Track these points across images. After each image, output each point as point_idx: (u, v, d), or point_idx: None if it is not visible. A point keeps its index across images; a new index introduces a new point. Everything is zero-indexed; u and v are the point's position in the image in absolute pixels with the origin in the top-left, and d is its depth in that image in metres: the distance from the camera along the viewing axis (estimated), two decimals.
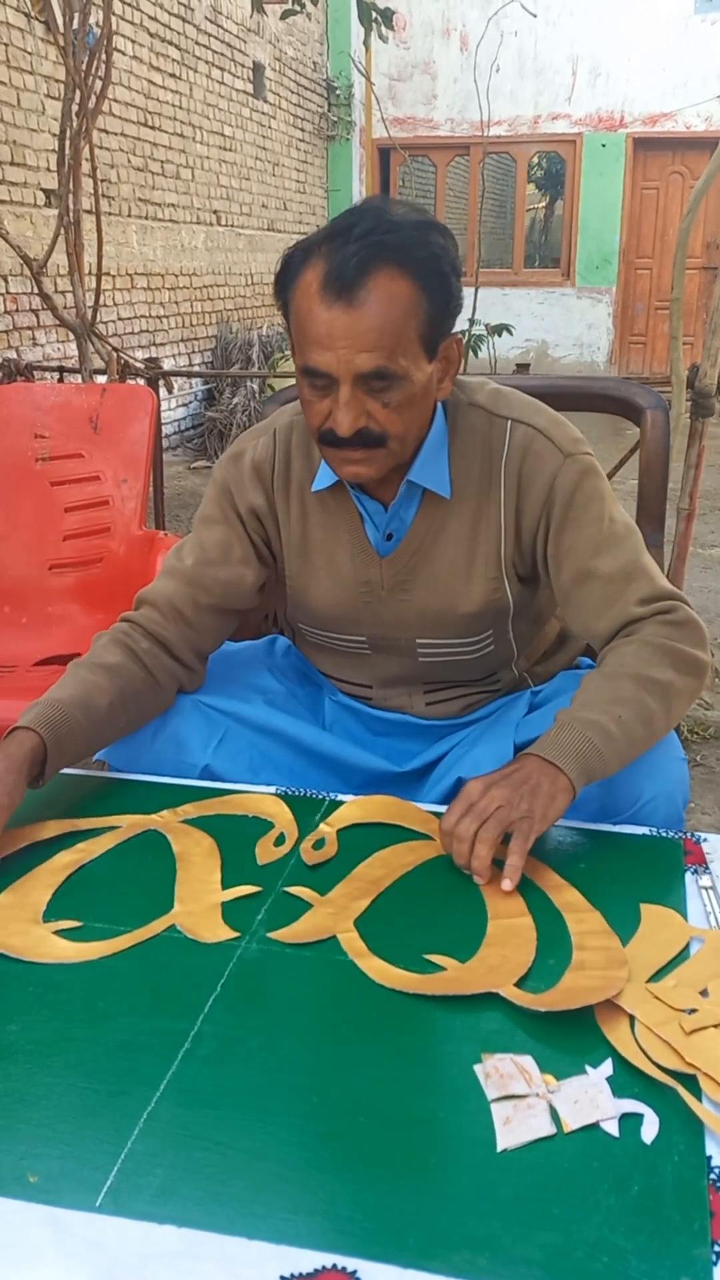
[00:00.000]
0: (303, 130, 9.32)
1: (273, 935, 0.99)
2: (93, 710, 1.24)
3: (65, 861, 1.12)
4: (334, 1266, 0.67)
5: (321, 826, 1.17)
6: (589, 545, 1.24)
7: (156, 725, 1.34)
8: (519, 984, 0.92)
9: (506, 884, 1.04)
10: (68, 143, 3.06)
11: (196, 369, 7.13)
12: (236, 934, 0.99)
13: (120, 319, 6.23)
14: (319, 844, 1.14)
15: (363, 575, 1.31)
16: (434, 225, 1.15)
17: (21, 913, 1.03)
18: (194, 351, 7.36)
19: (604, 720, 1.15)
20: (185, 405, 7.28)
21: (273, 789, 1.27)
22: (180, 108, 6.92)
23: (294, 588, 1.37)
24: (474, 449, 1.26)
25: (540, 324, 9.78)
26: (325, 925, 1.00)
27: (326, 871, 1.10)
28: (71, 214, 3.10)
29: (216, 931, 1.00)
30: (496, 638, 1.34)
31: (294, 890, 1.05)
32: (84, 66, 2.98)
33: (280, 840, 1.15)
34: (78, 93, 2.96)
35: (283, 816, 1.20)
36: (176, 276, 7.03)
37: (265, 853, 1.13)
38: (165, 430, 6.66)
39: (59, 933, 1.01)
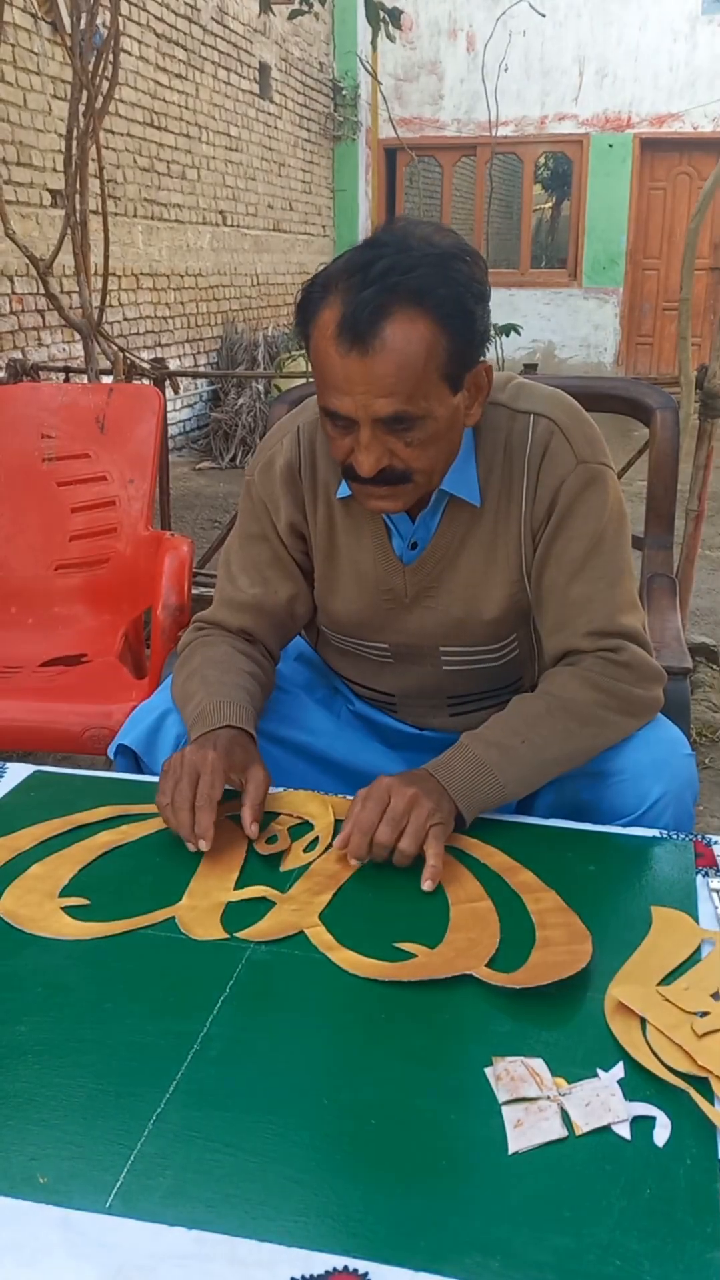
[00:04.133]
0: (309, 131, 9.32)
1: (240, 935, 0.99)
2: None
3: (102, 841, 1.15)
4: (345, 1269, 0.66)
5: (272, 825, 1.17)
6: (570, 563, 1.23)
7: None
8: (489, 965, 0.94)
9: (427, 885, 1.05)
10: (74, 143, 3.06)
11: (202, 370, 7.13)
12: (226, 935, 0.99)
13: (126, 319, 6.23)
14: (272, 839, 1.14)
15: (385, 583, 1.30)
16: (457, 255, 1.09)
17: (44, 884, 1.07)
18: (199, 352, 7.37)
19: (508, 742, 1.18)
20: (190, 406, 7.28)
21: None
22: (186, 108, 6.93)
23: (319, 591, 1.36)
24: (497, 449, 1.24)
25: (547, 325, 9.77)
26: (290, 921, 1.01)
27: (286, 871, 1.10)
28: (78, 214, 3.10)
29: (210, 931, 1.00)
30: (521, 641, 1.34)
31: (253, 890, 1.06)
32: (91, 66, 2.98)
33: (273, 839, 1.15)
34: (85, 92, 2.96)
35: (324, 818, 1.19)
36: (182, 277, 7.03)
37: (261, 846, 1.14)
38: (170, 432, 6.67)
39: (67, 909, 1.02)
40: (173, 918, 1.02)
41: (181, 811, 1.11)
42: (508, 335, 5.69)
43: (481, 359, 1.15)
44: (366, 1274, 0.66)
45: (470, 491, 1.24)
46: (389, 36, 3.96)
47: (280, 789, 1.26)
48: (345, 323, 1.05)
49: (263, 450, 1.36)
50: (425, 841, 1.08)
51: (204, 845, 1.09)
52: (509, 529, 1.25)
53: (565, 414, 1.25)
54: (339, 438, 1.14)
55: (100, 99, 3.01)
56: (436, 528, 1.27)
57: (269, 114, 8.39)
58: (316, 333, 1.10)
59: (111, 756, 1.34)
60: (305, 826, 1.18)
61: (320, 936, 0.99)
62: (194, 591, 2.08)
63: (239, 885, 1.07)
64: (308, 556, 1.35)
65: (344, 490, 1.27)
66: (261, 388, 6.97)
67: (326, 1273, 0.66)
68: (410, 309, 1.05)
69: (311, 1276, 0.66)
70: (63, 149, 3.21)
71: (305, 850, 1.14)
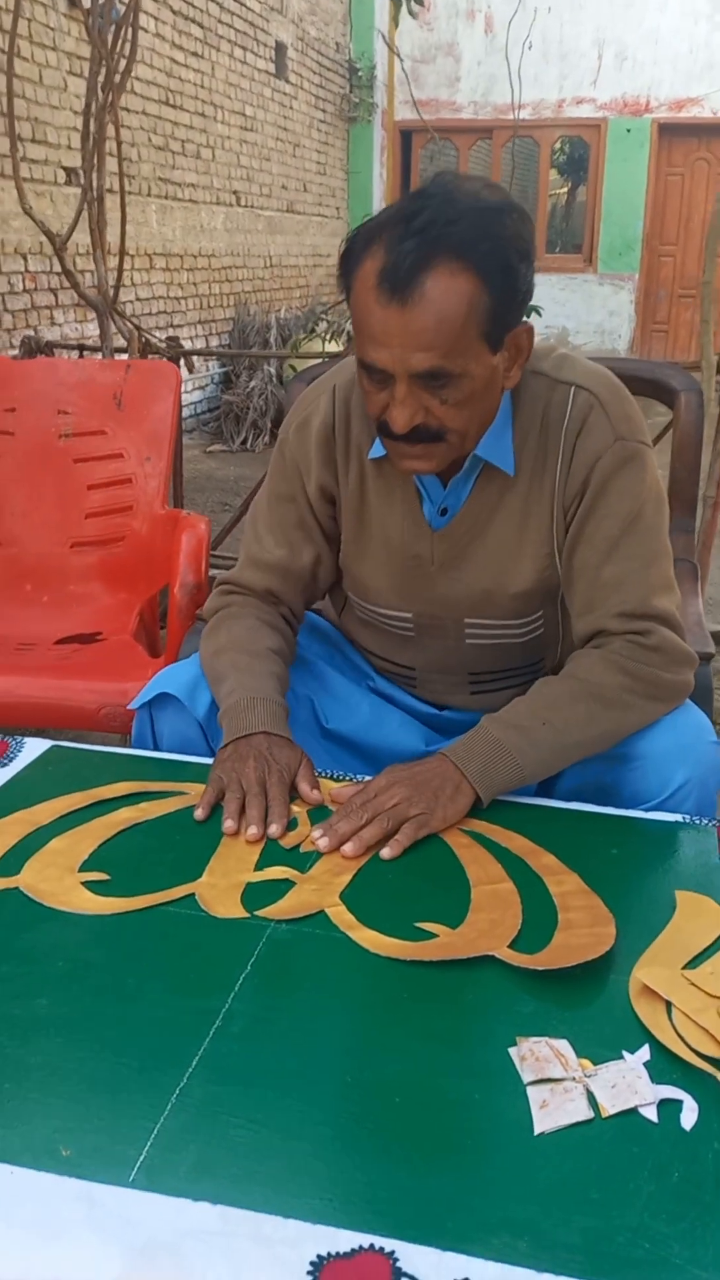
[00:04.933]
0: (324, 111, 9.25)
1: (260, 913, 0.98)
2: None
3: (123, 817, 1.14)
4: (372, 1247, 0.66)
5: (292, 808, 1.16)
6: (604, 541, 1.21)
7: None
8: (511, 947, 0.93)
9: (385, 852, 1.07)
10: (92, 118, 3.04)
11: (216, 349, 7.09)
12: (247, 914, 0.98)
13: (138, 299, 6.20)
14: (292, 824, 1.13)
15: (413, 549, 1.29)
16: (503, 209, 1.08)
17: (64, 859, 1.06)
18: (211, 334, 7.33)
19: (528, 724, 1.17)
20: (201, 389, 7.25)
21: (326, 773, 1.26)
22: (202, 86, 6.88)
23: (346, 555, 1.35)
24: (535, 419, 1.22)
25: (562, 310, 9.70)
26: (311, 901, 1.00)
27: (306, 853, 1.09)
28: (95, 189, 3.08)
29: (230, 909, 0.99)
30: (546, 619, 1.33)
31: (274, 870, 1.05)
32: (110, 39, 2.96)
33: (293, 824, 1.14)
34: (104, 66, 2.93)
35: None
36: (195, 257, 6.99)
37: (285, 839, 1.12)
38: (182, 414, 6.64)
39: (87, 884, 1.02)
40: (192, 894, 1.01)
41: (230, 804, 1.13)
42: (529, 317, 5.65)
43: (523, 320, 1.14)
44: (394, 1253, 0.65)
45: (505, 459, 1.22)
46: (410, 13, 3.92)
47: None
48: (386, 273, 1.05)
49: (298, 409, 1.34)
50: (404, 827, 1.10)
51: (275, 830, 1.10)
52: (541, 501, 1.24)
53: (607, 389, 1.23)
54: (375, 392, 1.13)
55: (119, 73, 2.98)
56: (468, 495, 1.26)
57: (284, 94, 8.33)
58: (358, 283, 1.09)
59: (136, 707, 1.33)
60: (324, 811, 1.17)
61: (341, 916, 0.98)
62: (211, 573, 2.07)
63: (259, 867, 1.06)
64: (335, 521, 1.34)
65: (376, 450, 1.26)
66: (273, 370, 6.93)
67: (353, 1250, 0.65)
68: (452, 263, 1.04)
69: (338, 1254, 0.65)
70: (78, 126, 3.19)
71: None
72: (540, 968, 0.90)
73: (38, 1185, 0.70)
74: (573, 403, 1.21)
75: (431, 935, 0.96)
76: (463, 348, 1.07)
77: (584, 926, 0.96)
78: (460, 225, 1.04)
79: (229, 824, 1.11)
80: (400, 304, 1.05)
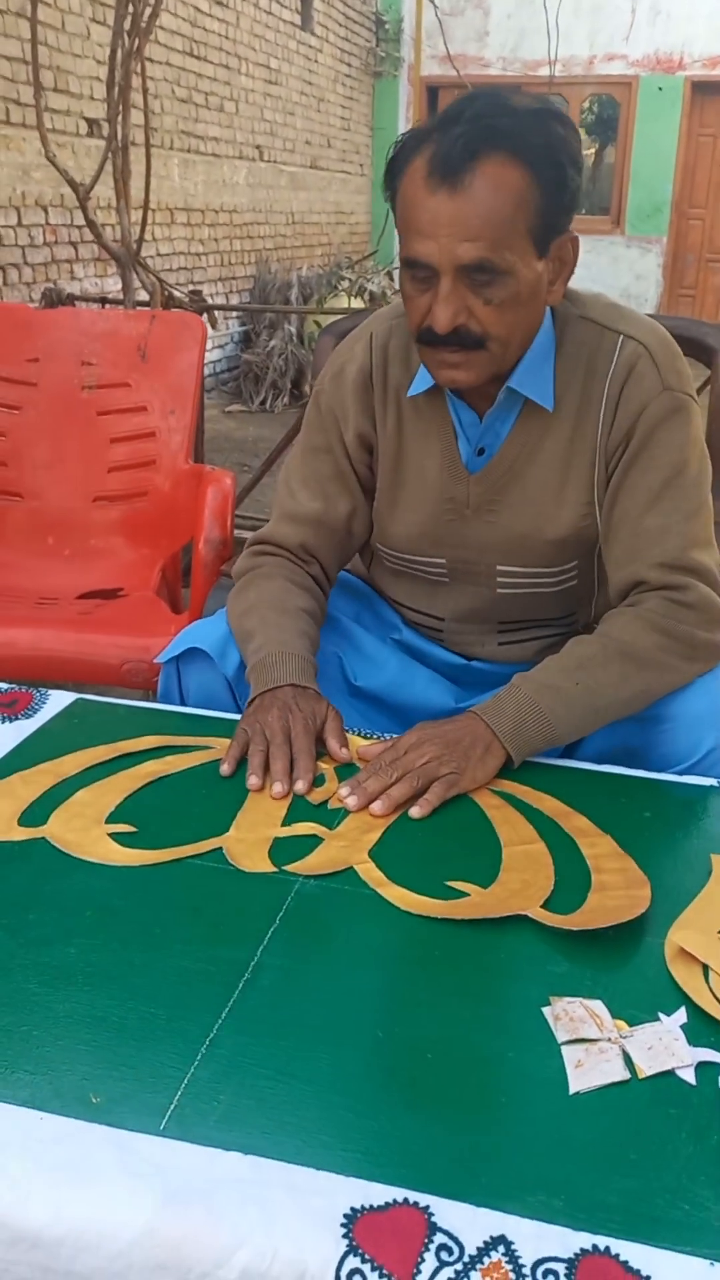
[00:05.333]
0: (349, 65, 9.09)
1: (289, 868, 0.97)
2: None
3: (148, 770, 1.13)
4: (406, 1201, 0.65)
5: (320, 764, 1.15)
6: (646, 492, 1.19)
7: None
8: (544, 907, 0.92)
9: (415, 811, 1.06)
10: (117, 66, 2.98)
11: (238, 305, 7.02)
12: (275, 868, 0.97)
13: (159, 255, 6.13)
14: (319, 780, 1.12)
15: (449, 491, 1.27)
16: (555, 114, 1.09)
17: (90, 810, 1.06)
18: (232, 291, 7.25)
19: (562, 684, 1.15)
20: (221, 348, 7.18)
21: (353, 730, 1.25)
22: (226, 38, 6.75)
23: (380, 503, 1.33)
24: (580, 363, 1.20)
25: (587, 273, 9.39)
26: (340, 857, 0.99)
27: (334, 810, 1.08)
28: (119, 139, 3.02)
29: (258, 863, 0.98)
30: (581, 571, 1.30)
31: (302, 826, 1.04)
32: None
33: (320, 780, 1.13)
34: (130, 8, 2.86)
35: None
36: (217, 213, 6.90)
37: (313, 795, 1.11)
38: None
39: (114, 836, 1.01)
40: (220, 848, 1.00)
41: (254, 758, 1.11)
42: None
43: (570, 229, 1.12)
44: (428, 1207, 0.64)
45: (544, 394, 1.20)
46: None
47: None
48: (436, 160, 1.05)
49: (335, 359, 1.32)
50: (432, 786, 1.08)
51: (279, 789, 1.08)
52: (583, 449, 1.22)
53: (657, 341, 1.21)
54: (417, 295, 1.11)
55: (145, 18, 2.92)
56: (507, 435, 1.23)
57: (310, 47, 8.18)
58: (406, 181, 1.09)
59: (163, 661, 1.32)
60: (352, 767, 1.15)
61: (371, 873, 0.97)
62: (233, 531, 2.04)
63: (286, 822, 1.05)
64: (371, 471, 1.32)
65: (416, 388, 1.24)
66: (294, 330, 6.86)
67: (388, 1204, 0.65)
68: (503, 152, 1.04)
69: (371, 1207, 0.65)
70: (101, 76, 3.13)
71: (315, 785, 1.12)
72: (574, 928, 0.89)
73: (68, 1131, 0.70)
74: (620, 351, 1.19)
75: (462, 894, 0.95)
76: (510, 242, 1.06)
77: (618, 888, 0.94)
78: (511, 119, 1.05)
79: (253, 780, 1.09)
80: (450, 190, 1.04)
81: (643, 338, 1.19)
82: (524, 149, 1.04)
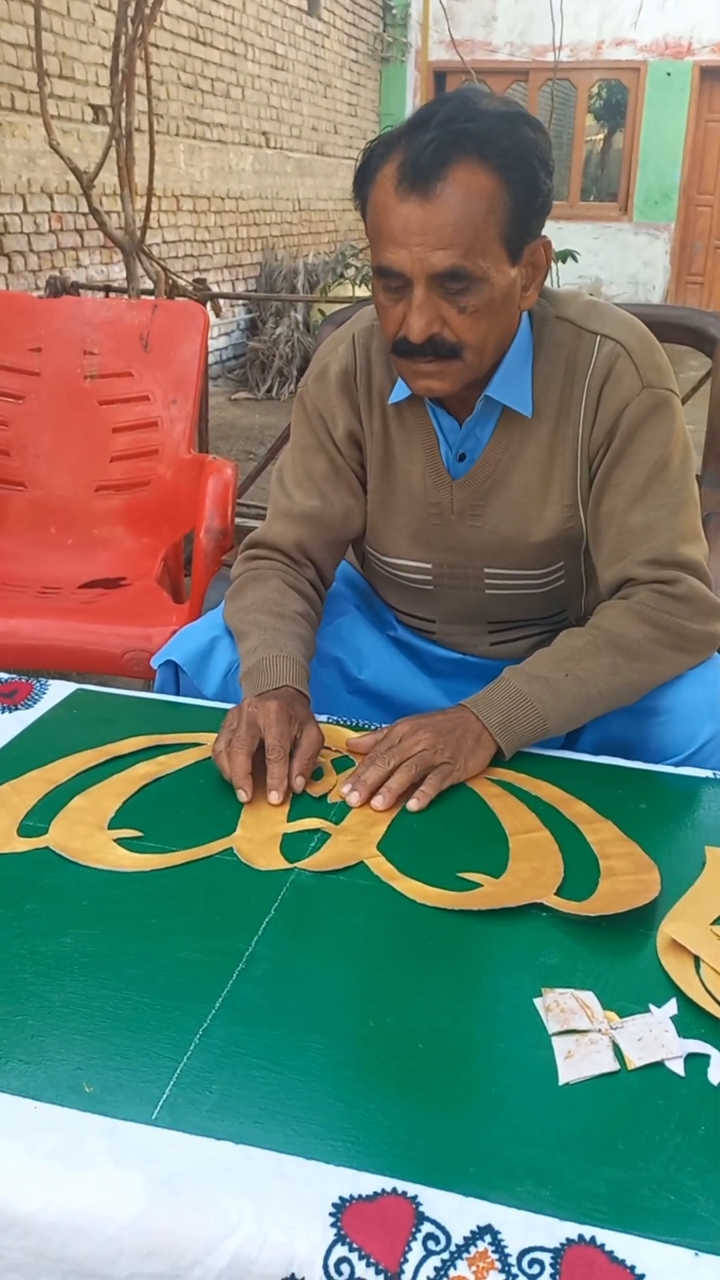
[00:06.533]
0: (356, 51, 9.04)
1: (301, 864, 0.97)
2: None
3: (142, 773, 1.12)
4: (394, 1191, 0.65)
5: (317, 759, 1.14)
6: (631, 489, 1.19)
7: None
8: (556, 894, 0.93)
9: (413, 804, 1.06)
10: (121, 52, 2.97)
11: (244, 293, 7.00)
12: (288, 865, 0.98)
13: (165, 242, 6.12)
14: (317, 774, 1.12)
15: (433, 496, 1.27)
16: (523, 117, 1.08)
17: (90, 817, 1.04)
18: (238, 279, 7.24)
19: (551, 676, 1.15)
20: (227, 335, 7.17)
21: (344, 720, 1.25)
22: (232, 23, 6.72)
23: (371, 505, 1.33)
24: (559, 366, 1.20)
25: (595, 260, 9.51)
26: (349, 852, 0.99)
27: (338, 805, 1.08)
28: (123, 126, 3.01)
29: (271, 861, 0.98)
30: (568, 570, 1.31)
31: (308, 821, 1.04)
32: None
33: (318, 774, 1.12)
34: None
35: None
36: (223, 200, 6.88)
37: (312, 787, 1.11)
38: (208, 358, 6.58)
39: (119, 841, 1.01)
40: (231, 849, 1.00)
41: (238, 757, 1.08)
42: (564, 262, 5.51)
43: (541, 234, 1.12)
44: (416, 1197, 0.65)
45: (522, 401, 1.20)
46: None
47: (323, 720, 1.24)
48: (406, 167, 1.04)
49: (316, 361, 1.32)
50: (429, 777, 1.08)
51: (275, 798, 1.06)
52: (565, 450, 1.22)
53: (635, 338, 1.20)
54: (391, 305, 1.11)
55: (149, 4, 2.90)
56: (488, 442, 1.23)
57: (316, 32, 8.13)
58: (376, 189, 1.08)
59: (155, 666, 1.32)
60: (349, 760, 1.16)
61: (382, 866, 0.97)
62: (235, 521, 2.05)
63: (291, 818, 1.05)
64: (363, 468, 1.32)
65: (396, 395, 1.24)
66: (300, 317, 6.85)
67: (376, 1194, 0.65)
68: (473, 158, 1.03)
69: (360, 1196, 0.65)
70: (106, 62, 3.12)
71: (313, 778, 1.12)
72: (592, 914, 0.90)
73: (62, 1119, 0.70)
74: (598, 352, 1.19)
75: (474, 885, 0.95)
76: (482, 248, 1.05)
77: (628, 873, 0.95)
78: (480, 123, 1.04)
79: (241, 795, 1.06)
80: (421, 198, 1.03)
81: (620, 337, 1.19)
82: (495, 154, 1.03)
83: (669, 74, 9.11)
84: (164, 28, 5.76)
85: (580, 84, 9.46)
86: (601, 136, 10.26)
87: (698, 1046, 0.77)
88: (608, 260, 9.59)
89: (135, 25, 2.91)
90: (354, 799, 1.06)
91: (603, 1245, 0.62)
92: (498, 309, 1.10)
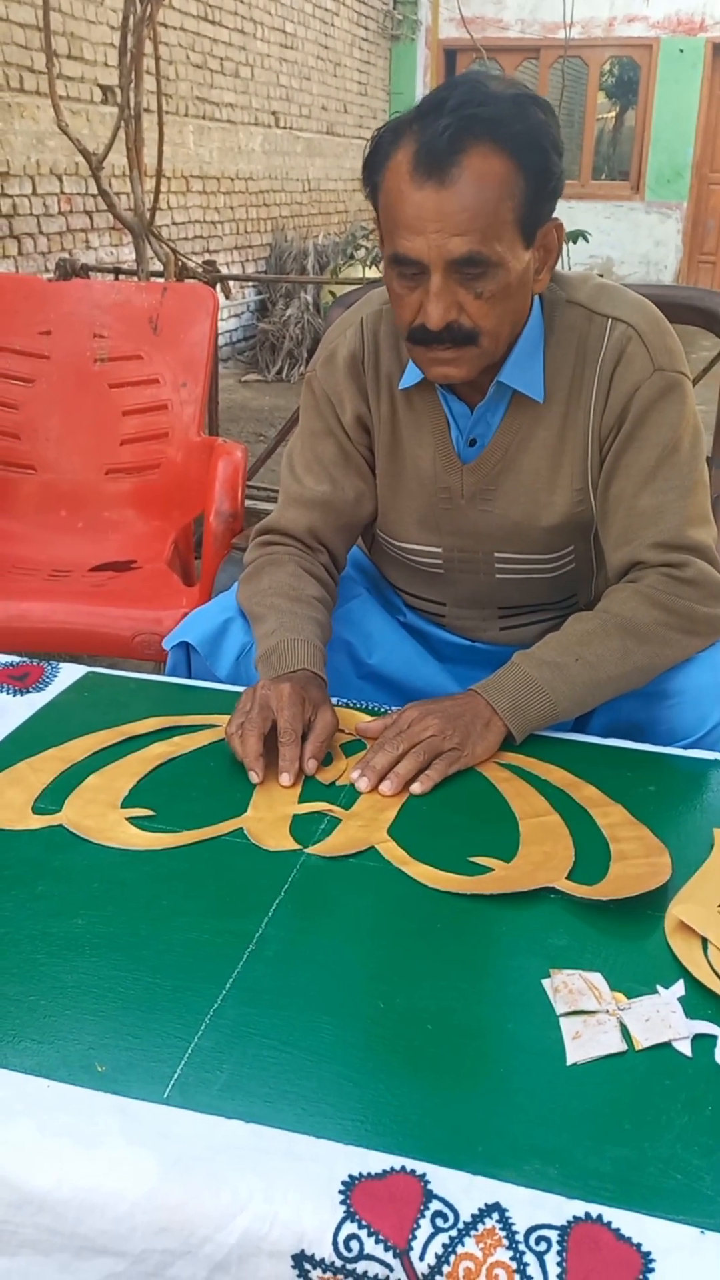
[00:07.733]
0: (366, 29, 8.95)
1: (311, 850, 0.98)
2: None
3: (157, 753, 1.13)
4: (403, 1169, 0.66)
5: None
6: (640, 472, 1.19)
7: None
8: (568, 878, 0.93)
9: (416, 787, 1.06)
10: (129, 31, 2.95)
11: (253, 275, 6.98)
12: (298, 846, 0.98)
13: (174, 223, 6.09)
14: (327, 760, 1.12)
15: (443, 480, 1.27)
16: (534, 100, 1.07)
17: (104, 795, 1.05)
18: (248, 260, 7.20)
19: (561, 660, 1.15)
20: (237, 317, 7.15)
21: (355, 703, 1.25)
22: (241, 2, 6.66)
23: (380, 488, 1.32)
24: (569, 350, 1.19)
25: (606, 239, 9.42)
26: (360, 837, 1.00)
27: (347, 790, 1.08)
28: (132, 107, 3.00)
29: (281, 841, 0.99)
30: (578, 555, 1.30)
31: (317, 806, 1.04)
32: None
33: (328, 760, 1.13)
34: None
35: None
36: (232, 180, 6.84)
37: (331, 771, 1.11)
38: (218, 341, 6.56)
39: (132, 820, 1.02)
40: (241, 829, 1.01)
41: (250, 739, 1.08)
42: (575, 242, 5.46)
43: (554, 216, 1.12)
44: (425, 1175, 0.66)
45: (534, 386, 1.20)
46: None
47: (335, 702, 1.24)
48: (421, 153, 1.03)
49: (324, 346, 1.32)
50: (435, 762, 1.08)
51: (286, 780, 1.07)
52: (575, 434, 1.21)
53: (645, 321, 1.19)
54: (406, 293, 1.10)
55: None
56: (498, 426, 1.23)
57: (326, 10, 8.06)
58: (389, 175, 1.07)
59: (168, 648, 1.33)
60: (359, 744, 1.16)
61: (393, 851, 0.98)
62: (245, 504, 2.04)
63: (302, 800, 1.06)
64: (372, 452, 1.32)
65: (407, 380, 1.24)
66: (310, 298, 6.81)
67: (384, 1172, 0.66)
68: (486, 143, 1.03)
69: (369, 1175, 0.66)
70: (115, 42, 3.10)
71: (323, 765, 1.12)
72: (605, 898, 0.90)
73: (74, 1098, 0.71)
74: (609, 335, 1.18)
75: (485, 869, 0.95)
76: (498, 233, 1.05)
77: (639, 857, 0.95)
78: (493, 107, 1.03)
79: (254, 777, 1.07)
80: (437, 184, 1.03)
81: (631, 319, 1.18)
82: (507, 138, 1.03)
83: (681, 51, 9.00)
84: (172, 6, 5.72)
85: (592, 61, 9.36)
86: (613, 114, 10.15)
87: (704, 1027, 0.77)
88: (619, 239, 9.50)
89: (144, 4, 2.89)
90: (363, 784, 1.07)
91: (609, 1223, 0.63)
92: (513, 294, 1.10)
